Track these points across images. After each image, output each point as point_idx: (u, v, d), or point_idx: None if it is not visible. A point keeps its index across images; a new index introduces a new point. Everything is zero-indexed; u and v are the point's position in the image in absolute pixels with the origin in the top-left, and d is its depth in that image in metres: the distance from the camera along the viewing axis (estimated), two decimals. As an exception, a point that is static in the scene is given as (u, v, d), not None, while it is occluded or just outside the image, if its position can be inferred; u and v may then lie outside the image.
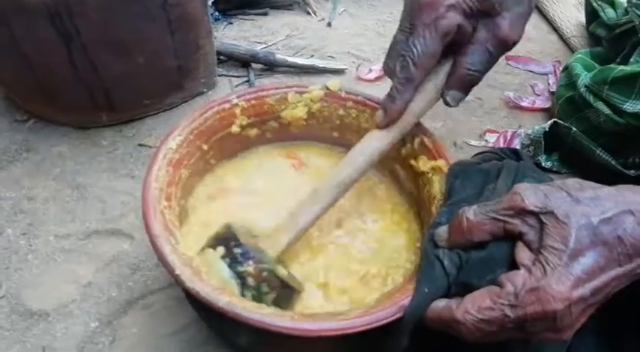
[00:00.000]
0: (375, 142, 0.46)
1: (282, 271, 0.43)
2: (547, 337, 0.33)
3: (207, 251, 0.43)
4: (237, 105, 0.53)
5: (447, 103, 0.47)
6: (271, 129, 0.56)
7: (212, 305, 0.37)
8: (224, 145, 0.54)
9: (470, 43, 0.44)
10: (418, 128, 0.50)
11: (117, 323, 0.53)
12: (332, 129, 0.57)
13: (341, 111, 0.55)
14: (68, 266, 0.57)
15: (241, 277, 0.41)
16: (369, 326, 0.37)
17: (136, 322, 0.53)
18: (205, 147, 0.51)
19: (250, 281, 0.41)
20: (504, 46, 0.45)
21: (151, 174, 0.45)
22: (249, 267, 0.41)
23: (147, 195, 0.43)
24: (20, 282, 0.55)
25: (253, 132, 0.55)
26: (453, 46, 0.45)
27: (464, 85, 0.46)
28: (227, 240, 0.43)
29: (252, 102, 0.53)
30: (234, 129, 0.53)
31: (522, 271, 0.33)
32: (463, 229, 0.37)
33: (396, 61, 0.45)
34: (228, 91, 0.80)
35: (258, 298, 0.42)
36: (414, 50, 0.43)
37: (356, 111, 0.54)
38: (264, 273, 0.42)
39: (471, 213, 0.37)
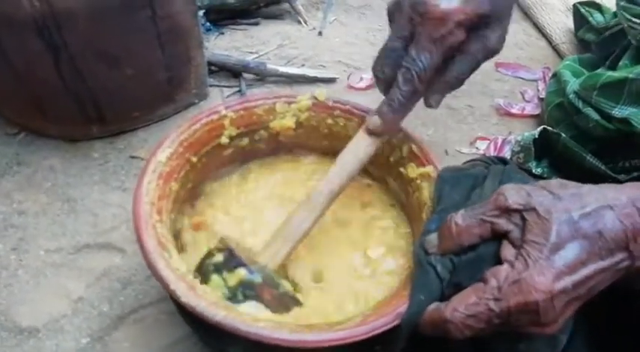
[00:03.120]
0: (365, 148, 0.47)
1: (287, 286, 0.44)
2: (533, 331, 0.34)
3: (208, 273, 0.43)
4: (225, 116, 0.53)
5: (430, 106, 0.48)
6: (260, 139, 0.56)
7: (208, 319, 0.37)
8: (214, 157, 0.53)
9: (460, 53, 0.46)
10: (406, 136, 0.51)
11: (108, 338, 0.52)
12: (321, 138, 0.57)
13: (329, 120, 0.55)
14: (59, 281, 0.57)
15: (252, 296, 0.42)
16: (366, 335, 0.37)
17: (128, 337, 0.52)
18: (194, 159, 0.51)
19: (265, 301, 0.42)
20: (491, 56, 0.47)
21: (141, 188, 0.44)
22: (262, 291, 0.42)
23: (138, 209, 0.43)
24: (10, 298, 0.55)
25: (242, 142, 0.55)
26: None
27: (448, 89, 0.48)
28: (228, 260, 0.43)
29: (241, 112, 0.53)
30: (224, 140, 0.53)
31: (505, 266, 0.34)
32: (453, 234, 0.37)
33: (390, 69, 0.46)
34: (219, 102, 0.80)
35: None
36: (420, 64, 0.43)
37: (344, 119, 0.55)
38: (275, 293, 0.42)
39: (459, 217, 0.37)
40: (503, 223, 0.35)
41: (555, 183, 0.36)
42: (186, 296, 0.38)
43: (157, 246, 0.41)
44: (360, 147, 0.47)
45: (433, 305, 0.37)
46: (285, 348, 0.37)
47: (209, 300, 0.39)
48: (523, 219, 0.34)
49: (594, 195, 0.34)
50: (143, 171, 0.46)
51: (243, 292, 0.42)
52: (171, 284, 0.38)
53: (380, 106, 0.47)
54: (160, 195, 0.46)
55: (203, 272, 0.44)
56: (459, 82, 0.47)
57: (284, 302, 0.43)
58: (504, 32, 0.47)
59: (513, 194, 0.35)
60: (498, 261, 0.35)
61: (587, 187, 0.35)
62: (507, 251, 0.35)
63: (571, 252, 0.32)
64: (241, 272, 0.42)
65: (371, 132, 0.47)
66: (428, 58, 0.43)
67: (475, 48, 0.45)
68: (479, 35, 0.45)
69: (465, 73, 0.46)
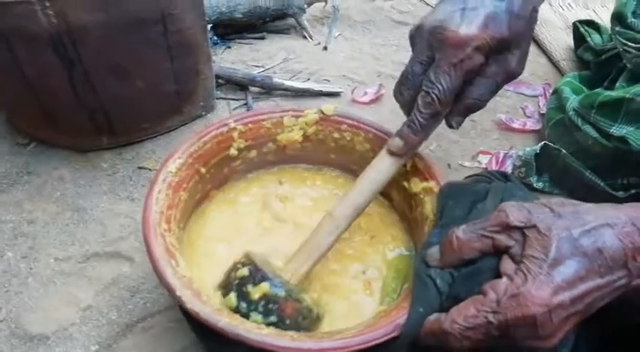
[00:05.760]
0: (387, 168, 0.49)
1: (309, 300, 0.44)
2: (531, 344, 0.34)
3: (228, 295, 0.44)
4: (234, 129, 0.54)
5: (451, 126, 0.50)
6: (268, 152, 0.57)
7: (212, 325, 0.38)
8: (222, 168, 0.55)
9: (480, 76, 0.47)
10: None
11: (117, 346, 0.53)
12: (328, 152, 0.58)
13: (336, 134, 0.57)
14: (68, 289, 0.58)
15: (275, 315, 0.42)
16: (366, 345, 0.38)
17: (136, 345, 0.53)
18: (203, 170, 0.52)
19: (286, 316, 0.42)
20: (510, 79, 0.48)
21: (151, 197, 0.46)
22: (285, 306, 0.42)
23: (147, 218, 0.44)
24: (20, 306, 0.56)
25: (250, 154, 0.56)
26: None
27: (469, 111, 0.49)
28: (253, 274, 0.43)
29: (250, 125, 0.55)
30: (232, 151, 0.55)
31: (504, 279, 0.35)
32: (454, 248, 0.38)
33: (410, 92, 0.47)
34: (226, 114, 0.82)
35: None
36: (439, 87, 0.44)
37: (350, 134, 0.56)
38: (297, 307, 0.43)
39: (460, 231, 0.39)
40: (503, 239, 0.37)
41: (556, 201, 0.37)
42: (192, 303, 0.39)
43: (164, 254, 0.42)
44: (382, 167, 0.49)
45: (433, 316, 0.38)
46: None
47: (213, 307, 0.40)
48: (524, 235, 0.36)
49: (594, 213, 0.35)
50: (153, 181, 0.47)
51: (265, 306, 0.42)
52: (177, 291, 0.40)
53: (401, 128, 0.48)
54: (170, 204, 0.47)
55: (226, 285, 0.45)
56: (479, 105, 0.48)
57: (304, 317, 0.43)
58: (524, 55, 0.48)
59: (515, 211, 0.37)
60: (497, 275, 0.36)
61: (587, 206, 0.36)
62: (507, 265, 0.36)
63: (570, 268, 0.33)
64: (265, 286, 0.42)
65: (392, 153, 0.48)
66: (447, 82, 0.44)
67: (495, 71, 0.46)
68: (498, 59, 0.46)
69: (485, 95, 0.47)
